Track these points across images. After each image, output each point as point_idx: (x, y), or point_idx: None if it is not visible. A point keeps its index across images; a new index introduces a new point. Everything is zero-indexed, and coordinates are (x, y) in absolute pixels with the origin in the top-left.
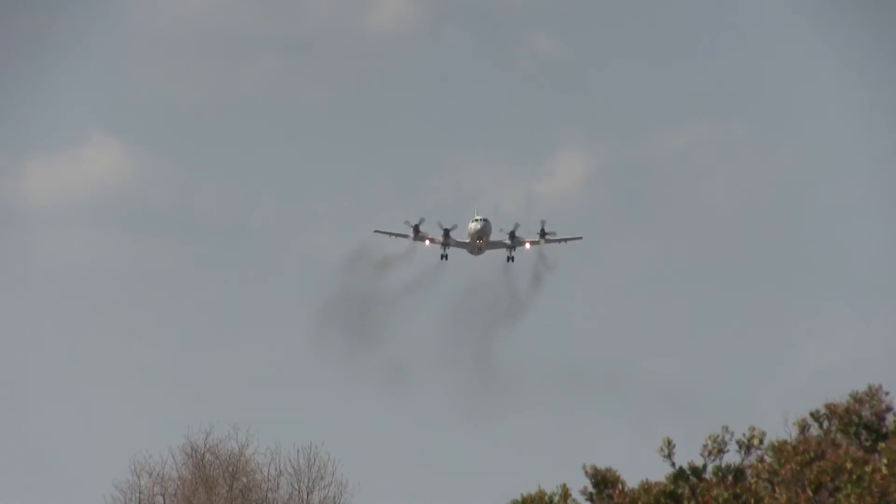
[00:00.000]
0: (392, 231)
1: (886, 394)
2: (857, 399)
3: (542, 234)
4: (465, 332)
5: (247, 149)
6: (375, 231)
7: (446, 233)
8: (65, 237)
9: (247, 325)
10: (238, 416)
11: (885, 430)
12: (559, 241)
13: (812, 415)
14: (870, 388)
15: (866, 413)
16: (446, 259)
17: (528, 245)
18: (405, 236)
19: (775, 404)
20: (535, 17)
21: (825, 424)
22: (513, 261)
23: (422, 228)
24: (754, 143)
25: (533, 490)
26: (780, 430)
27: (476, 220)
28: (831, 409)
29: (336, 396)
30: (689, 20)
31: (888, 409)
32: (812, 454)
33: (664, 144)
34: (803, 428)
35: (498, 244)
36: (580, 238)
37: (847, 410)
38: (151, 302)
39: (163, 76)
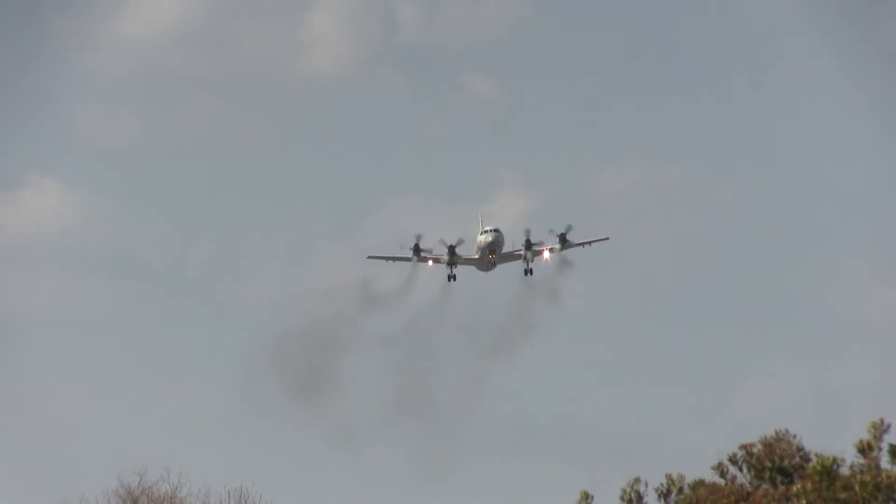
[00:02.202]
0: (388, 255)
1: (794, 437)
2: (767, 444)
3: (563, 239)
4: (441, 377)
5: (184, 190)
6: (369, 257)
7: (452, 249)
8: None
9: (184, 368)
10: (171, 459)
11: (798, 472)
12: (583, 244)
13: (730, 458)
14: (776, 432)
15: (778, 457)
16: (454, 280)
17: (546, 253)
18: (405, 259)
19: (712, 446)
20: (471, 59)
21: (743, 467)
22: (531, 274)
23: (423, 247)
24: (691, 186)
25: None
26: (708, 473)
27: (486, 231)
28: (748, 451)
29: (272, 442)
30: (623, 63)
31: (799, 449)
32: (735, 496)
33: (601, 185)
34: (722, 471)
35: (512, 256)
36: (607, 239)
37: (759, 457)
38: (86, 343)
39: (100, 118)
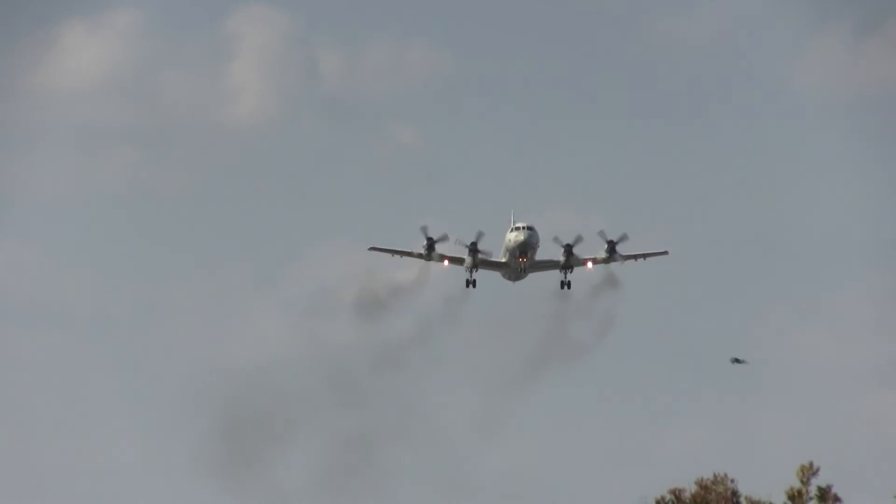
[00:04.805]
0: (394, 248)
1: (732, 481)
2: (703, 486)
3: (612, 248)
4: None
5: (108, 240)
6: (371, 248)
7: (473, 248)
8: None
9: (113, 423)
10: None
11: None
12: (636, 257)
13: (658, 501)
14: (715, 476)
15: (713, 499)
16: (474, 286)
17: (590, 264)
18: (415, 255)
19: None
20: (394, 107)
21: None
22: (569, 287)
23: (438, 243)
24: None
25: None
26: None
27: (517, 228)
28: (677, 495)
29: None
30: (546, 112)
31: (734, 493)
32: None
33: None
34: None
35: (547, 263)
36: (665, 253)
37: (694, 498)
38: (5, 395)
39: (22, 168)
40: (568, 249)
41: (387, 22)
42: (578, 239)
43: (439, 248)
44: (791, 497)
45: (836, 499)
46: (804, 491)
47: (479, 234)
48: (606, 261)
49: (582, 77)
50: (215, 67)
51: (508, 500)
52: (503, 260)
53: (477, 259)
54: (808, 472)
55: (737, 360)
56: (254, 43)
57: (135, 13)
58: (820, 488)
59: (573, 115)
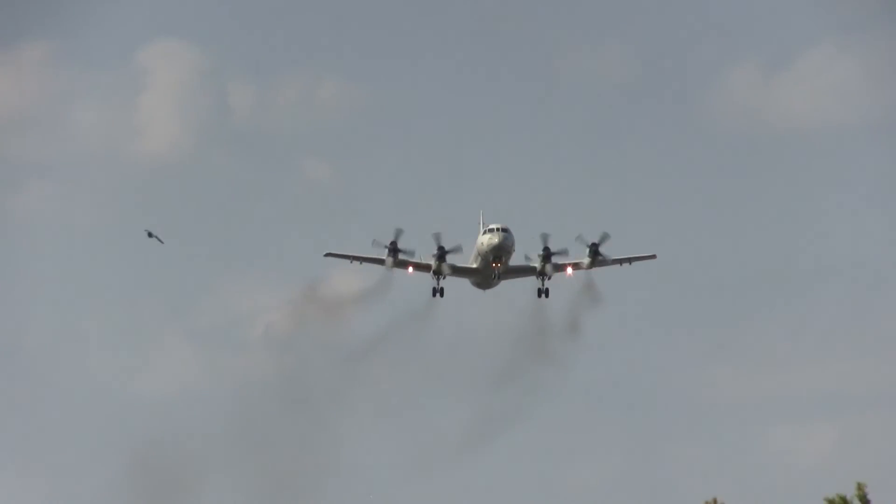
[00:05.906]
0: (353, 254)
1: None
2: None
3: (595, 251)
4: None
5: (20, 273)
6: (327, 254)
7: (441, 253)
8: None
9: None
10: None
11: None
12: (620, 262)
13: None
14: None
15: None
16: (441, 295)
17: (570, 270)
18: (376, 261)
19: None
20: (305, 142)
21: None
22: (547, 296)
23: (402, 247)
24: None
25: None
26: None
27: (491, 230)
28: None
29: None
30: (459, 148)
31: None
32: None
33: None
34: None
35: (523, 269)
36: (653, 257)
37: None
38: None
39: None
40: (546, 254)
41: (298, 56)
42: (545, 237)
43: (403, 255)
44: None
45: None
46: None
47: (437, 236)
48: (590, 265)
49: (498, 104)
50: (126, 101)
51: None
52: (475, 266)
53: (444, 266)
54: None
55: (151, 235)
56: (165, 77)
57: (45, 46)
58: None
59: (491, 143)
